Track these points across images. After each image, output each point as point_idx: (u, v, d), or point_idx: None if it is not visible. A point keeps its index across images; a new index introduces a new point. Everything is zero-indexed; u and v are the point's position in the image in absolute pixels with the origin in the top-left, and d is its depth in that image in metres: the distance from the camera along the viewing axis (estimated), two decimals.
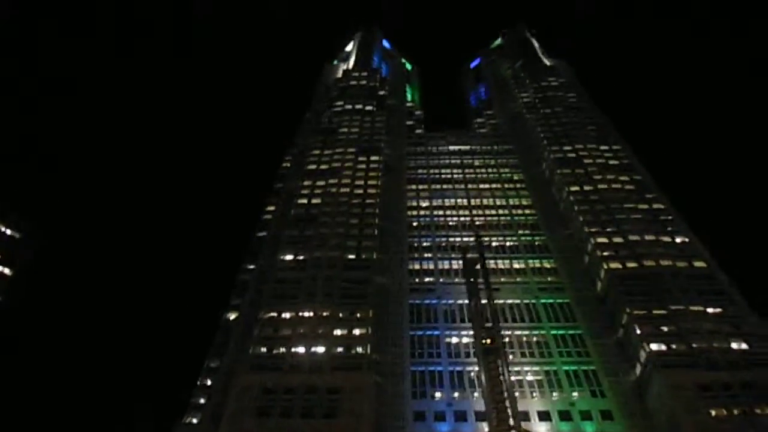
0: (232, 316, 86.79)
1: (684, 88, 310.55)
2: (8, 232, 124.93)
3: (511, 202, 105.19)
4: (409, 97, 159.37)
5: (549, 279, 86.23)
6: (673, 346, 66.50)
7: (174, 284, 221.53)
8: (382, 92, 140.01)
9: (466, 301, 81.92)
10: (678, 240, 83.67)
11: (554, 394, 68.14)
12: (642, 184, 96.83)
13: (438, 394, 69.00)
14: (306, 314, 75.61)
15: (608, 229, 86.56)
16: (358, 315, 75.14)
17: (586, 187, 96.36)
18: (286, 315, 75.96)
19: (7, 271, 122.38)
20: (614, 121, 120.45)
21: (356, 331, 72.74)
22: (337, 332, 72.57)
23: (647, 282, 75.98)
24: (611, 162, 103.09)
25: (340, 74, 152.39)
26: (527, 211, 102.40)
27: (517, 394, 67.45)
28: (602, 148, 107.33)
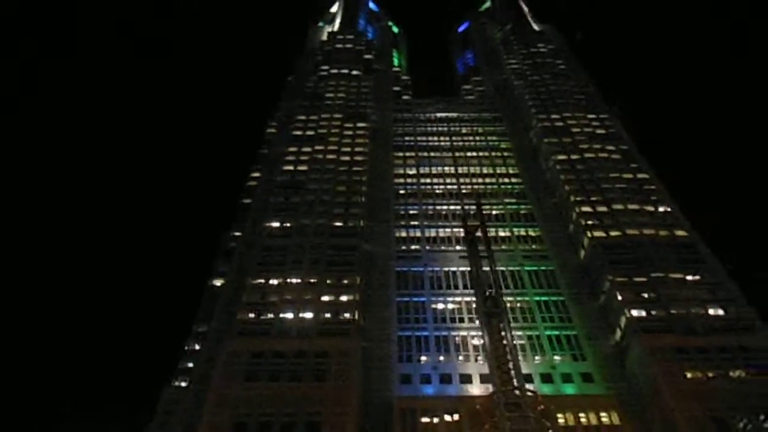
0: (218, 283, 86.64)
1: (674, 55, 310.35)
2: None
3: (498, 170, 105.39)
4: (396, 62, 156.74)
5: (534, 247, 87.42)
6: (653, 312, 68.44)
7: (159, 251, 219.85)
8: (368, 56, 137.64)
9: (453, 269, 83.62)
10: (660, 209, 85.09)
11: (536, 357, 70.07)
12: (628, 153, 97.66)
13: (424, 358, 70.49)
14: (293, 281, 76.03)
15: (593, 198, 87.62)
16: (346, 281, 75.79)
17: (573, 156, 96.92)
18: (274, 281, 76.29)
19: None
20: (602, 89, 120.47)
21: (343, 297, 73.45)
22: (325, 298, 73.24)
23: (629, 250, 77.59)
24: (598, 131, 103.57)
25: (325, 37, 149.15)
26: (514, 180, 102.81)
27: None
28: (590, 116, 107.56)
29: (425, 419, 59.95)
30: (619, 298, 70.68)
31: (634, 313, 68.52)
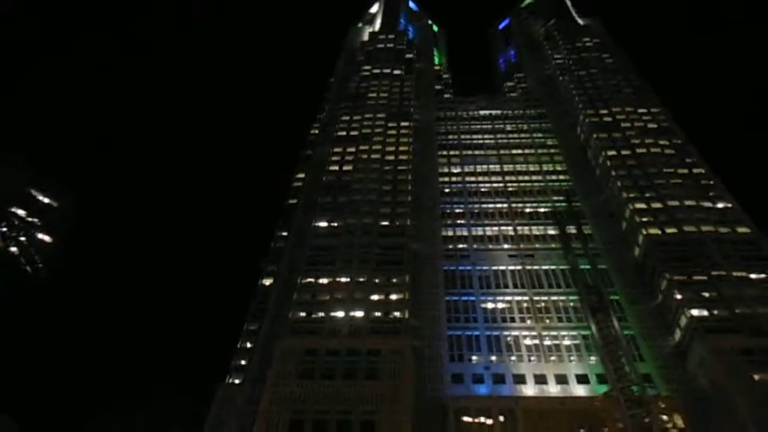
0: (268, 282, 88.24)
1: (722, 47, 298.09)
2: (47, 200, 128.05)
3: (544, 167, 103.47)
4: (436, 60, 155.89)
5: (586, 245, 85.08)
6: (715, 312, 65.88)
7: (209, 252, 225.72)
8: (409, 55, 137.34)
9: (501, 267, 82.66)
10: (720, 205, 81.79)
11: (592, 358, 68.39)
12: (682, 148, 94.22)
13: (475, 358, 69.87)
14: (343, 280, 76.59)
15: (647, 195, 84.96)
16: (395, 280, 75.87)
17: (624, 152, 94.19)
18: (323, 280, 77.09)
19: (47, 238, 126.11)
20: (650, 82, 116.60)
21: (393, 296, 73.57)
22: (374, 297, 73.51)
23: (687, 248, 74.86)
24: (650, 125, 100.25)
25: (365, 37, 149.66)
26: (561, 177, 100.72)
27: (554, 358, 68.69)
28: (640, 111, 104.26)
29: (479, 419, 59.44)
30: (678, 297, 68.28)
31: (695, 312, 66.08)
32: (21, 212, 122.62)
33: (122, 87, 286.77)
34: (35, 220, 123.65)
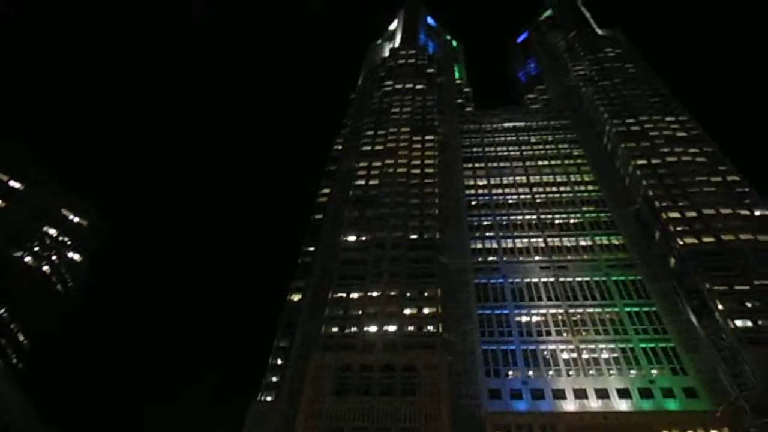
0: (296, 298, 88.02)
1: (743, 53, 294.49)
2: (77, 220, 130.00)
3: (572, 178, 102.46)
4: (456, 74, 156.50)
5: (619, 256, 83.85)
6: (760, 322, 63.91)
7: (234, 269, 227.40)
8: (430, 70, 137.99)
9: (534, 280, 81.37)
10: (757, 213, 79.95)
11: (632, 371, 66.76)
12: (713, 156, 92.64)
13: (511, 373, 68.58)
14: (374, 294, 76.15)
15: (680, 203, 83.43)
16: (426, 294, 75.25)
17: (654, 161, 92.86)
18: (355, 295, 76.66)
19: (77, 257, 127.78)
20: (674, 91, 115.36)
21: (426, 310, 72.91)
22: (407, 311, 72.93)
23: (726, 257, 73.06)
24: (678, 134, 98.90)
25: (386, 53, 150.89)
26: (590, 187, 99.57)
27: (593, 371, 67.13)
28: (668, 119, 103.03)
29: None
30: (720, 307, 66.49)
31: (739, 323, 64.22)
32: (52, 231, 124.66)
33: (143, 101, 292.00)
34: (66, 239, 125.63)
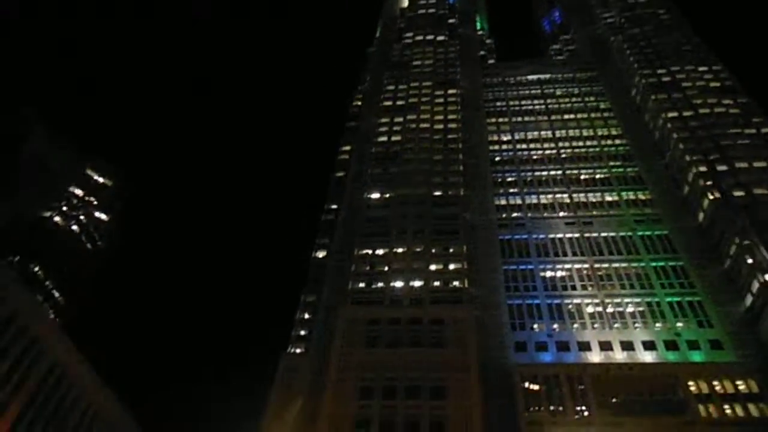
0: (321, 255, 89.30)
1: None
2: (101, 180, 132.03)
3: (599, 132, 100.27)
4: (478, 25, 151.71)
5: (646, 211, 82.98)
6: None
7: (257, 227, 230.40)
8: (451, 20, 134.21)
9: (558, 235, 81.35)
10: None
11: (657, 324, 67.19)
12: (748, 107, 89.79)
13: (536, 326, 69.55)
14: (399, 250, 77.09)
15: (711, 157, 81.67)
16: (451, 250, 75.99)
17: (685, 113, 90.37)
18: (380, 251, 77.74)
19: (104, 216, 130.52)
20: (707, 40, 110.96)
21: (451, 266, 73.82)
22: (433, 267, 73.94)
23: (756, 211, 71.93)
24: (712, 84, 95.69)
25: (405, 3, 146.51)
26: (617, 141, 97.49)
27: (618, 325, 67.81)
28: (701, 69, 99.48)
29: (547, 386, 59.39)
30: (750, 261, 66.07)
31: None
32: (78, 191, 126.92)
33: (166, 69, 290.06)
34: (92, 199, 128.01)
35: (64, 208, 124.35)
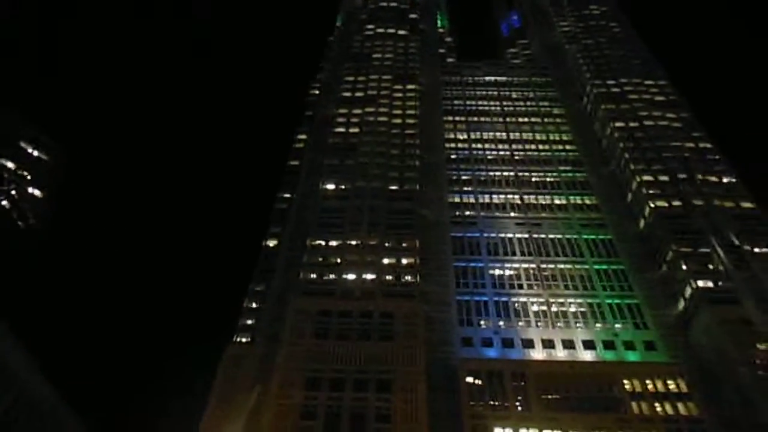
0: (272, 243, 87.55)
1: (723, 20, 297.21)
2: (36, 154, 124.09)
3: (551, 137, 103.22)
4: (439, 23, 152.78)
5: (591, 215, 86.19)
6: (720, 283, 67.69)
7: (205, 212, 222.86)
8: (413, 15, 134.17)
9: (509, 235, 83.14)
10: (725, 180, 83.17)
11: (597, 324, 70.04)
12: (689, 122, 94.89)
13: (483, 323, 70.95)
14: (353, 242, 76.60)
15: (654, 167, 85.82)
16: (405, 245, 76.22)
17: (632, 124, 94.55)
18: (333, 243, 76.95)
19: (37, 192, 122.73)
20: (656, 54, 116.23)
21: (404, 260, 74.11)
22: (386, 261, 73.96)
23: (693, 220, 76.29)
24: (657, 98, 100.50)
25: None
26: (568, 147, 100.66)
27: (560, 324, 70.17)
28: (647, 83, 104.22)
29: (490, 381, 60.68)
30: (684, 268, 69.98)
31: (701, 283, 67.91)
32: (10, 165, 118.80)
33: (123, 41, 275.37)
34: (25, 173, 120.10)
35: None
